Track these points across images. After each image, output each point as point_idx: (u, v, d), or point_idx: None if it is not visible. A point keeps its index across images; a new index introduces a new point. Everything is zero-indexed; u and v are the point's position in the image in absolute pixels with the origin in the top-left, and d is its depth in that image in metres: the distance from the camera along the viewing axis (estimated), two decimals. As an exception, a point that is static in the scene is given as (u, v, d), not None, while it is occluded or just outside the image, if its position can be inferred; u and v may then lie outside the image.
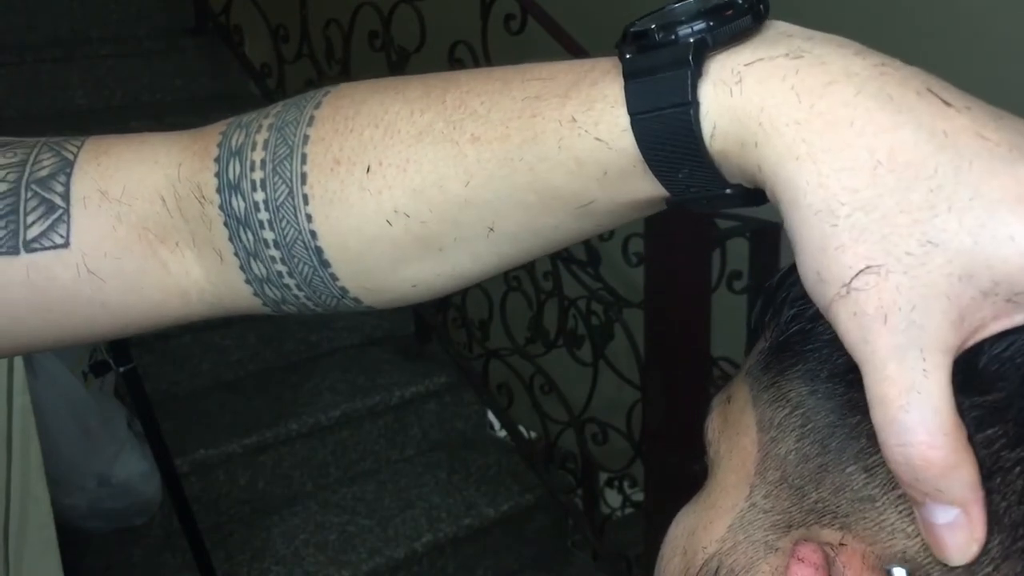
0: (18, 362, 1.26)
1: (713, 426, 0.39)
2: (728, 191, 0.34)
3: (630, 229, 1.75)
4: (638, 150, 0.34)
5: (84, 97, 2.73)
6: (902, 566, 0.31)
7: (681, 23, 0.33)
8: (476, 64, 1.95)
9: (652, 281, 1.68)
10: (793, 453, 0.34)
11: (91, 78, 2.73)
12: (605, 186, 0.36)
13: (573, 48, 1.75)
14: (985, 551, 0.30)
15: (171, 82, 2.85)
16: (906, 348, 0.29)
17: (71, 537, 1.56)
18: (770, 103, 0.31)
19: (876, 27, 1.72)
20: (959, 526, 0.29)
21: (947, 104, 0.30)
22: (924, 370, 0.29)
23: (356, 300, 0.43)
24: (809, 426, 0.34)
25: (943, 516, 0.29)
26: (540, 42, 1.80)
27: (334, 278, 0.42)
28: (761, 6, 0.33)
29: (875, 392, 0.29)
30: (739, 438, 0.37)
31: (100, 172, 0.44)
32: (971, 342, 0.29)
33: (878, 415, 0.29)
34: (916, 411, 0.29)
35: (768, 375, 0.36)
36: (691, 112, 0.32)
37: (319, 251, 0.41)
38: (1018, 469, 0.30)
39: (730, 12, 0.33)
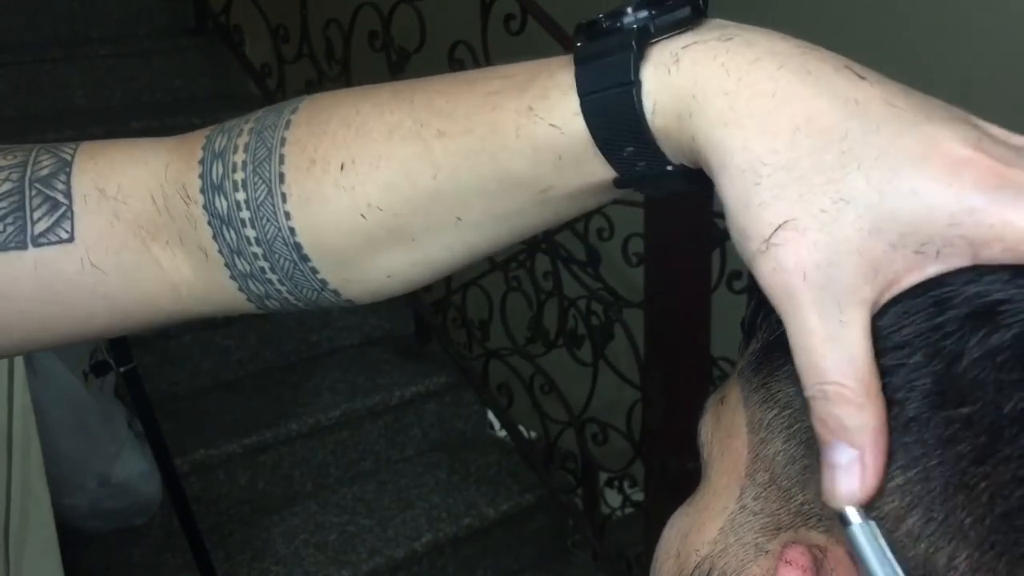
0: (18, 362, 1.26)
1: (706, 428, 0.39)
2: (669, 168, 0.36)
3: (630, 229, 1.75)
4: (588, 134, 0.37)
5: (84, 97, 2.72)
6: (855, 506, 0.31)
7: (626, 13, 0.36)
8: (476, 64, 1.95)
9: (652, 281, 1.68)
10: (781, 454, 0.34)
11: (91, 78, 2.73)
12: (560, 170, 0.38)
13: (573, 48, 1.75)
14: (952, 567, 0.30)
15: (171, 82, 2.85)
16: (824, 301, 0.31)
17: (71, 537, 1.56)
18: (702, 78, 0.34)
19: (882, 28, 1.72)
20: (853, 470, 0.31)
21: (861, 78, 0.32)
22: (841, 321, 0.31)
23: (336, 292, 0.45)
24: (796, 427, 0.34)
25: (842, 456, 0.31)
26: (540, 42, 1.80)
27: (314, 271, 0.44)
28: (701, 2, 0.36)
29: (798, 342, 0.31)
30: (730, 440, 0.37)
31: (97, 171, 0.46)
32: (887, 296, 0.31)
33: (800, 360, 0.32)
34: (833, 357, 0.31)
35: (758, 376, 0.36)
36: (633, 91, 0.35)
37: (298, 247, 0.43)
38: (983, 484, 0.29)
39: (670, 2, 0.36)
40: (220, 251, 0.45)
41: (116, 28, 2.91)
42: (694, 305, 1.64)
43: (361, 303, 0.46)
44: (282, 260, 0.44)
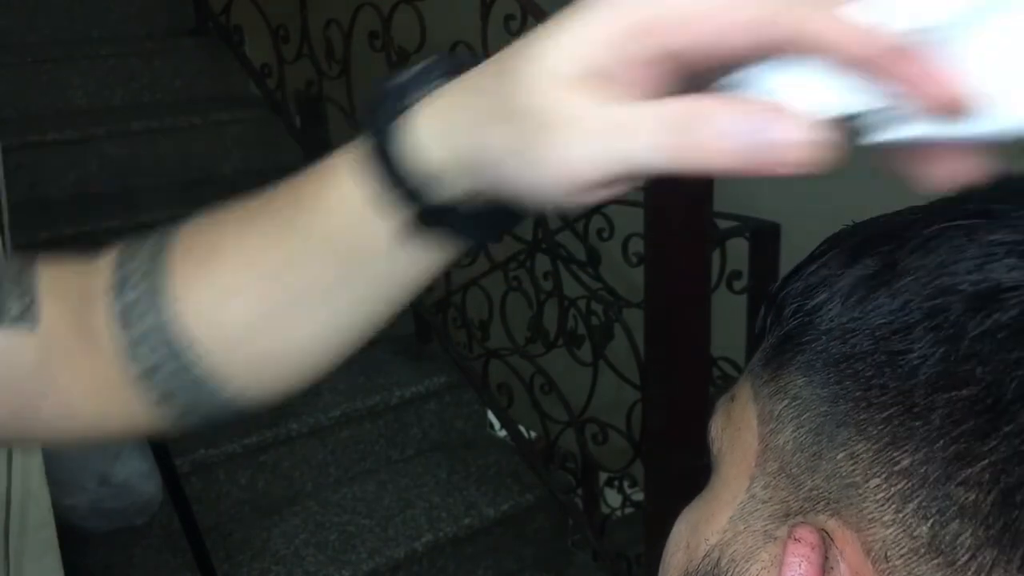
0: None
1: (717, 425, 0.40)
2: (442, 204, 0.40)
3: (630, 229, 1.75)
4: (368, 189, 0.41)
5: (84, 97, 2.72)
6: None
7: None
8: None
9: (652, 281, 1.68)
10: (791, 443, 0.35)
11: (91, 78, 2.73)
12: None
13: (573, 48, 1.74)
14: (958, 544, 0.30)
15: (171, 82, 2.85)
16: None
17: (71, 537, 1.56)
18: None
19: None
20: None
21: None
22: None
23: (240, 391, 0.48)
24: (806, 415, 0.34)
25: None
26: (540, 42, 1.80)
27: (215, 381, 0.47)
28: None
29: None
30: (741, 433, 0.37)
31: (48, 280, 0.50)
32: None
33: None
34: None
35: (768, 370, 0.37)
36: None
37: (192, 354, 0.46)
38: (985, 461, 0.30)
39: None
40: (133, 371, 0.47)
41: (116, 28, 2.91)
42: (694, 305, 1.64)
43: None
44: (180, 378, 0.47)
